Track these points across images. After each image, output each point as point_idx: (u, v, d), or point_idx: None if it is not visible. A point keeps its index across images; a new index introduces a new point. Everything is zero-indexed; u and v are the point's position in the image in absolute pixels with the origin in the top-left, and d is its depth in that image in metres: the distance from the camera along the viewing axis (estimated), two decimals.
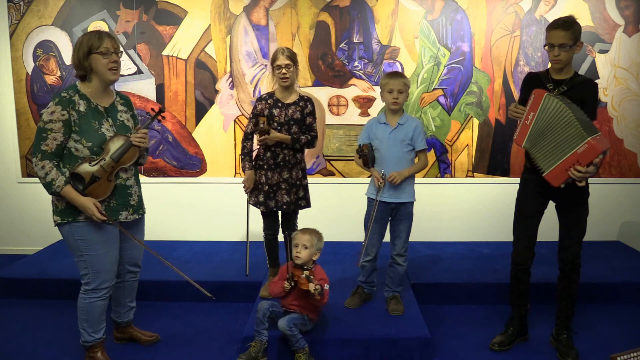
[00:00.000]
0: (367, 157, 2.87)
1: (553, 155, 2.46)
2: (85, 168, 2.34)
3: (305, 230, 2.74)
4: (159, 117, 2.64)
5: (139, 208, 2.61)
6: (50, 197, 2.43)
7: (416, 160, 2.97)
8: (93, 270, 2.46)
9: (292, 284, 2.61)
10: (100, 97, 2.46)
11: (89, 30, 4.20)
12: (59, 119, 2.30)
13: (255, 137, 3.12)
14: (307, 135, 3.10)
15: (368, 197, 3.00)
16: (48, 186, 2.33)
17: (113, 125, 2.47)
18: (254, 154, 3.19)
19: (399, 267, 2.99)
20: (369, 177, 3.00)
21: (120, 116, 2.52)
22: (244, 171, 3.16)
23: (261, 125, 3.00)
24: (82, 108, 2.36)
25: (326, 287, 2.66)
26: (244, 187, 3.16)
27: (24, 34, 4.27)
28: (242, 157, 3.15)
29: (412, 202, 2.95)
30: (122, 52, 2.48)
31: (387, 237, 3.03)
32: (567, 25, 2.50)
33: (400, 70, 4.18)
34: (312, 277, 2.60)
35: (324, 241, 2.77)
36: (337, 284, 3.34)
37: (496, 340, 2.83)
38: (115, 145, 2.41)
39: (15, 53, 4.29)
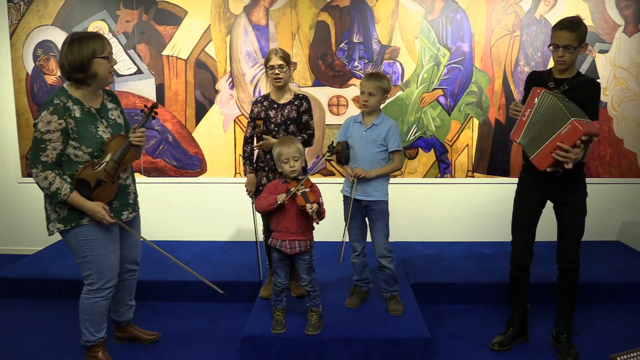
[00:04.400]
0: (339, 155, 2.88)
1: (540, 141, 2.47)
2: (89, 173, 2.34)
3: (287, 141, 2.67)
4: (153, 113, 2.63)
5: (135, 205, 2.65)
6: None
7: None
8: (97, 270, 2.46)
9: (284, 201, 2.56)
10: (92, 99, 2.42)
11: (89, 30, 4.23)
12: (56, 129, 2.26)
13: (255, 140, 3.14)
14: (304, 134, 3.10)
15: (343, 195, 3.02)
16: (54, 196, 2.30)
17: (108, 126, 2.45)
18: (255, 156, 3.20)
19: (387, 270, 2.96)
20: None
21: (112, 114, 2.51)
22: (245, 174, 3.16)
23: (258, 129, 3.04)
24: (77, 114, 2.32)
25: (321, 200, 2.63)
26: (246, 190, 3.16)
27: (24, 34, 4.27)
28: (243, 161, 3.17)
29: (385, 201, 2.94)
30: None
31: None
32: (574, 26, 2.49)
33: (400, 70, 4.19)
34: (307, 193, 2.56)
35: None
36: (337, 284, 3.34)
37: (496, 340, 2.83)
38: (115, 147, 2.40)
39: (15, 53, 4.29)
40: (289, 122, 3.07)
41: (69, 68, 2.29)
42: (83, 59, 2.27)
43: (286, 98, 3.10)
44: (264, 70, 3.11)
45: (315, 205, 2.52)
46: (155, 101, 2.77)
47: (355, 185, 2.84)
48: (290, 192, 2.57)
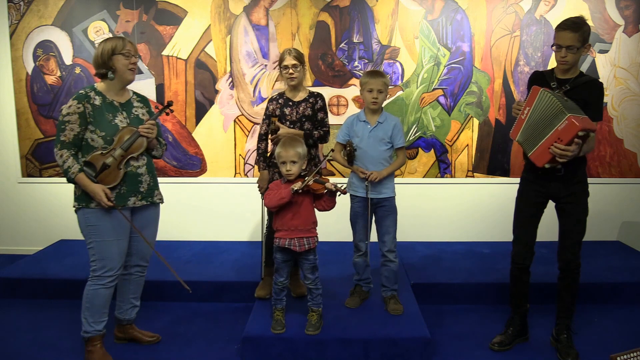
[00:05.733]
0: (353, 155, 2.91)
1: (539, 138, 2.48)
2: (97, 157, 2.52)
3: (288, 144, 2.66)
4: (167, 110, 2.82)
5: (149, 196, 2.69)
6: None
7: (394, 157, 2.99)
8: (99, 257, 2.56)
9: (300, 189, 2.56)
10: (116, 94, 2.64)
11: (89, 30, 4.25)
12: (74, 112, 2.50)
13: (270, 137, 3.15)
14: (320, 131, 3.13)
15: (350, 195, 3.02)
16: (65, 173, 2.51)
17: (127, 117, 2.63)
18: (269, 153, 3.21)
19: (392, 264, 2.98)
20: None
21: (136, 110, 2.69)
22: (259, 171, 3.16)
23: (272, 125, 3.07)
24: (97, 102, 2.55)
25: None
26: (258, 187, 3.17)
27: (24, 34, 4.27)
28: (257, 157, 3.20)
29: (394, 197, 2.98)
30: (139, 56, 2.60)
31: (373, 237, 3.03)
32: (577, 27, 2.48)
33: (400, 70, 4.19)
34: (319, 179, 2.61)
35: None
36: (337, 284, 3.34)
37: (496, 340, 2.83)
38: (125, 136, 2.57)
39: (15, 53, 4.29)
40: (304, 120, 3.09)
41: (96, 64, 2.59)
42: (104, 56, 2.56)
43: (301, 96, 3.13)
44: (278, 70, 3.15)
45: (331, 183, 2.61)
46: (172, 101, 2.87)
47: (369, 186, 2.88)
48: (305, 181, 2.59)
